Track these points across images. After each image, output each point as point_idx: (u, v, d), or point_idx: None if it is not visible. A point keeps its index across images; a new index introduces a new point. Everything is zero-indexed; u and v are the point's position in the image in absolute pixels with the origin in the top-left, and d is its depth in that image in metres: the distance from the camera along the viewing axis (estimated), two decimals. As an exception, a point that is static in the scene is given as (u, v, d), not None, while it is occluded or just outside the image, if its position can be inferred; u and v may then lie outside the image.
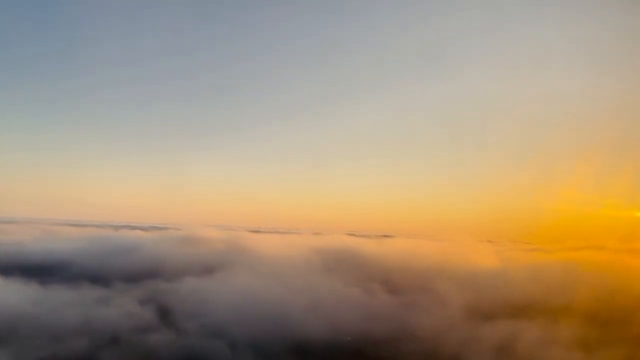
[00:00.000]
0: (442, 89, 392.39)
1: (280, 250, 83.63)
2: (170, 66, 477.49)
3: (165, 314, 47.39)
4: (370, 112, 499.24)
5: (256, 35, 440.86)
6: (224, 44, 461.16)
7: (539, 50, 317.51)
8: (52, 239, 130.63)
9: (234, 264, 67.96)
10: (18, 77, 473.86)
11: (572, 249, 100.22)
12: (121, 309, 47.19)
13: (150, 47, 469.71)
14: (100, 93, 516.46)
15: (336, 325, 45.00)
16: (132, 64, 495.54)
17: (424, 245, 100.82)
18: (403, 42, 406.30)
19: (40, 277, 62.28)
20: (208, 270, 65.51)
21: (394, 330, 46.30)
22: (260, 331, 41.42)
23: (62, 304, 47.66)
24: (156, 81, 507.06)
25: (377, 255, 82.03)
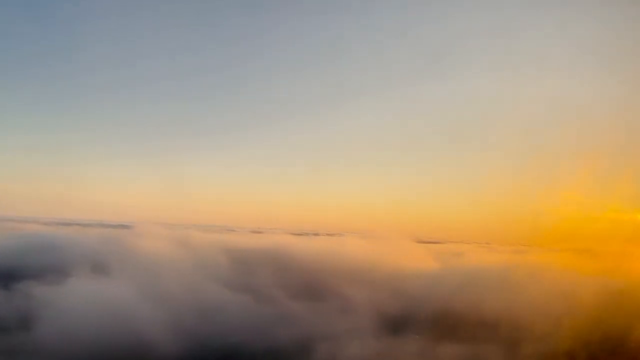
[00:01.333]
0: (440, 90, 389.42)
1: (193, 249, 75.64)
2: (169, 66, 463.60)
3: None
4: (369, 113, 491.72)
5: (257, 36, 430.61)
6: (224, 45, 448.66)
7: (542, 51, 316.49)
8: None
9: (128, 264, 59.79)
10: (17, 77, 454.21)
11: (562, 250, 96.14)
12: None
13: (150, 47, 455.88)
14: (98, 93, 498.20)
15: (199, 340, 37.70)
16: (131, 63, 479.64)
17: (367, 246, 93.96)
18: (404, 44, 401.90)
19: None
20: (96, 272, 57.27)
21: (274, 345, 39.18)
22: (93, 349, 33.89)
23: None
24: (155, 81, 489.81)
25: (306, 256, 74.75)
